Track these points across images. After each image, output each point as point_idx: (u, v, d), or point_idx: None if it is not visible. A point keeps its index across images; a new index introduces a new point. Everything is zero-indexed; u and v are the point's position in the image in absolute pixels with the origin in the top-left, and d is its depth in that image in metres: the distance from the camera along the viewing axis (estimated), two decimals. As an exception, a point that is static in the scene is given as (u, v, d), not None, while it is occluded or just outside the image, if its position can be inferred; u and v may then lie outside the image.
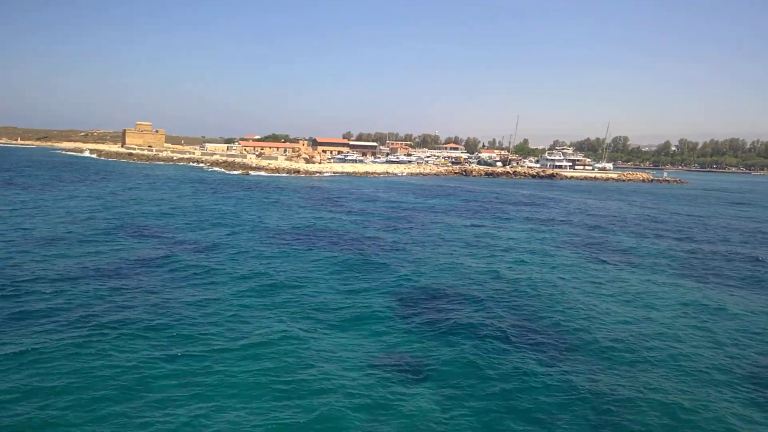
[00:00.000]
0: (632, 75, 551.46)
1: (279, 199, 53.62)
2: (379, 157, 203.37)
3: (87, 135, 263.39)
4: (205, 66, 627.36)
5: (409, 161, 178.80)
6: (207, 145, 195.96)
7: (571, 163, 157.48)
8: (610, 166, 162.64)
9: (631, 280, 24.09)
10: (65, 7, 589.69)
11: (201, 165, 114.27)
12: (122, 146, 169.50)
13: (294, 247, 28.32)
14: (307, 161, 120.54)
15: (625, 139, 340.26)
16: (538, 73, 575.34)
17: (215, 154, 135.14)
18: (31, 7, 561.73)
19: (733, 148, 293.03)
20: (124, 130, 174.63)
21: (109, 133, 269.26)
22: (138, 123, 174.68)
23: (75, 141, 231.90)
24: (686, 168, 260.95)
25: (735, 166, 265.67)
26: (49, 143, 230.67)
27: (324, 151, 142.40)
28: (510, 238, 34.36)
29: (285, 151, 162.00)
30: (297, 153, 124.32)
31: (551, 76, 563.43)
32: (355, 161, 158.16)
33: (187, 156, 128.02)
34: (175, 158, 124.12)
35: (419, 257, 27.08)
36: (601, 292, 21.85)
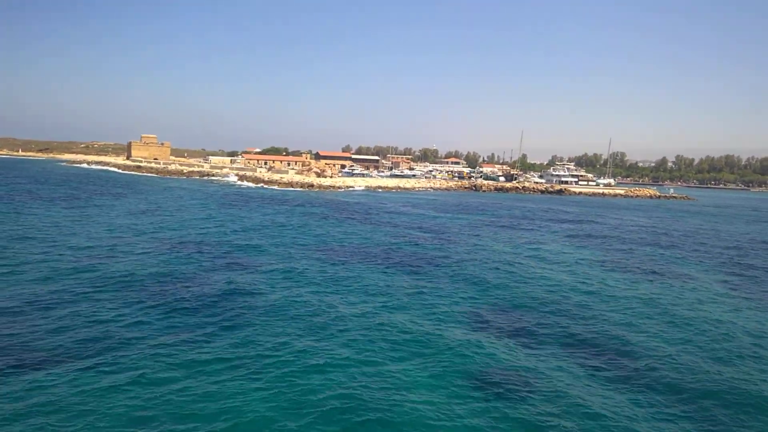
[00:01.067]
0: (628, 90, 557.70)
1: (316, 213, 53.35)
2: (382, 171, 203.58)
3: (87, 147, 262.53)
4: (200, 78, 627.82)
5: (414, 175, 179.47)
6: (211, 158, 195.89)
7: (575, 179, 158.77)
8: (614, 182, 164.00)
9: (731, 299, 24.18)
10: (57, 16, 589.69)
11: (212, 178, 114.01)
12: (127, 159, 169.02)
13: (367, 264, 28.14)
14: (318, 175, 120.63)
15: (623, 154, 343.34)
16: (533, 88, 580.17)
17: (225, 167, 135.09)
18: (26, 17, 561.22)
19: (729, 164, 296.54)
20: (130, 143, 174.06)
21: (110, 144, 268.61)
22: (143, 135, 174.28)
23: (76, 152, 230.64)
24: (685, 184, 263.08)
25: (733, 183, 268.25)
26: (51, 155, 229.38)
27: (331, 165, 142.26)
28: (572, 255, 34.36)
29: (288, 164, 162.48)
30: (308, 167, 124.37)
31: (546, 91, 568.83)
32: (363, 175, 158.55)
33: (197, 169, 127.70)
34: (185, 171, 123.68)
35: (489, 272, 27.13)
36: (705, 307, 21.93)
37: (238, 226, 41.19)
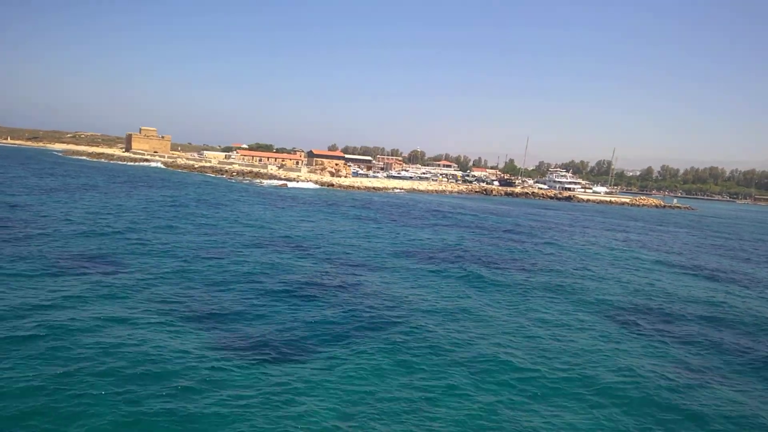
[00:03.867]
0: (614, 100, 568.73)
1: (375, 218, 52.49)
2: (377, 173, 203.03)
3: (75, 137, 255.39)
4: (183, 74, 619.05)
5: (410, 177, 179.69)
6: (205, 152, 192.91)
7: (579, 186, 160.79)
8: (615, 190, 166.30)
9: None
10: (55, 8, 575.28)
11: (223, 175, 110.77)
12: (126, 151, 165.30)
13: (471, 270, 27.78)
14: (333, 175, 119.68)
15: (609, 163, 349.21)
16: (520, 92, 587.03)
17: (234, 163, 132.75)
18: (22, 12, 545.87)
19: (714, 176, 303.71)
20: (129, 135, 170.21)
21: (98, 135, 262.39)
22: (143, 128, 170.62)
23: (66, 142, 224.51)
24: (672, 194, 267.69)
25: (719, 194, 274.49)
26: (41, 144, 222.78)
27: (345, 165, 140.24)
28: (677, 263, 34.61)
29: (280, 163, 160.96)
30: (321, 166, 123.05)
31: (533, 97, 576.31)
32: (367, 176, 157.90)
33: (207, 165, 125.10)
34: (196, 167, 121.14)
35: (595, 277, 27.52)
36: None
37: (311, 233, 40.46)
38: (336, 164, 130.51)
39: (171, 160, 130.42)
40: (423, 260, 29.26)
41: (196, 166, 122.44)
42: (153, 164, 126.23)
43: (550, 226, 57.27)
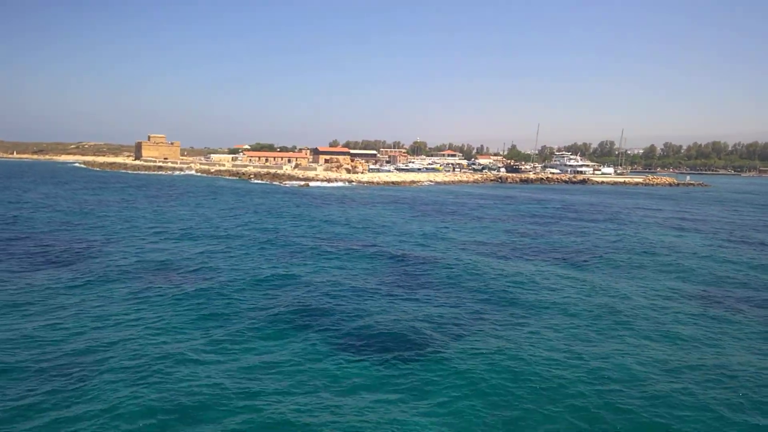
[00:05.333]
0: (609, 80, 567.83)
1: (432, 213, 52.90)
2: (385, 166, 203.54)
3: (78, 147, 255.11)
4: (177, 75, 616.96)
5: (419, 169, 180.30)
6: (212, 156, 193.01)
7: (590, 168, 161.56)
8: (626, 170, 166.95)
9: None
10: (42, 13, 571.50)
11: (242, 177, 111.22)
12: (136, 159, 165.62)
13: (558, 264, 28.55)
14: (349, 171, 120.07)
15: (612, 143, 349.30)
16: (515, 75, 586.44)
17: (248, 165, 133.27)
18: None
19: (716, 150, 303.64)
20: (139, 143, 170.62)
21: (102, 145, 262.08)
22: (151, 135, 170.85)
23: (72, 153, 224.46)
24: (677, 171, 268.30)
25: (723, 168, 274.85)
26: (47, 157, 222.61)
27: (361, 162, 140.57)
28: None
29: (292, 162, 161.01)
30: (337, 164, 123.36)
31: (530, 80, 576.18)
32: (379, 170, 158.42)
33: (223, 168, 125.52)
34: (212, 171, 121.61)
35: (696, 258, 28.30)
36: None
37: (386, 232, 41.19)
38: (352, 160, 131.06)
39: (204, 167, 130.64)
40: (524, 254, 30.22)
41: (212, 170, 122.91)
42: (187, 172, 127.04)
43: (595, 209, 58.19)
